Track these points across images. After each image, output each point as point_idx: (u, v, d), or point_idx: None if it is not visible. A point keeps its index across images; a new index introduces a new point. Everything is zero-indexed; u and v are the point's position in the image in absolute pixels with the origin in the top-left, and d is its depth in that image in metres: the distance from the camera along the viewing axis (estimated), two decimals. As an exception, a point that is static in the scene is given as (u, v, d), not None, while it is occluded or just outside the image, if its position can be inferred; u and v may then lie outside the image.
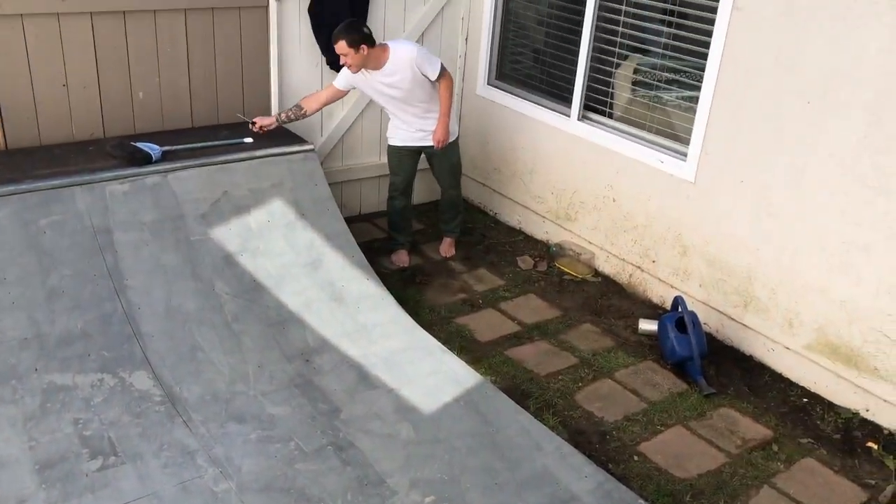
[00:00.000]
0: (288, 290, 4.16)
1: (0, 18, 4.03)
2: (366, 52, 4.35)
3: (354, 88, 4.71)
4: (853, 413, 3.92)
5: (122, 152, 4.21)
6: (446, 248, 5.31)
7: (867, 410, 3.89)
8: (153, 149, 4.27)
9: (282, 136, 4.79)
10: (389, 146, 4.93)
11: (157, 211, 4.11)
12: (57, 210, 3.88)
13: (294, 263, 4.29)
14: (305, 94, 4.90)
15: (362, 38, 4.33)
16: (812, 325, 4.03)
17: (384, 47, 4.47)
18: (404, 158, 4.92)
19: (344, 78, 4.63)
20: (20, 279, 3.65)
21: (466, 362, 4.04)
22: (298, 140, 4.75)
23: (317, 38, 5.04)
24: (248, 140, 4.60)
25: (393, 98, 4.59)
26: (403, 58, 4.44)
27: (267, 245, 4.28)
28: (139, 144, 4.27)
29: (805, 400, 4.04)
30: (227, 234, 4.20)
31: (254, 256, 4.20)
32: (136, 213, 4.05)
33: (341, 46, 4.33)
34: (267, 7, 4.81)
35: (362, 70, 4.47)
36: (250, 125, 4.65)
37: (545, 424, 3.65)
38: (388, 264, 5.09)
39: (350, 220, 5.06)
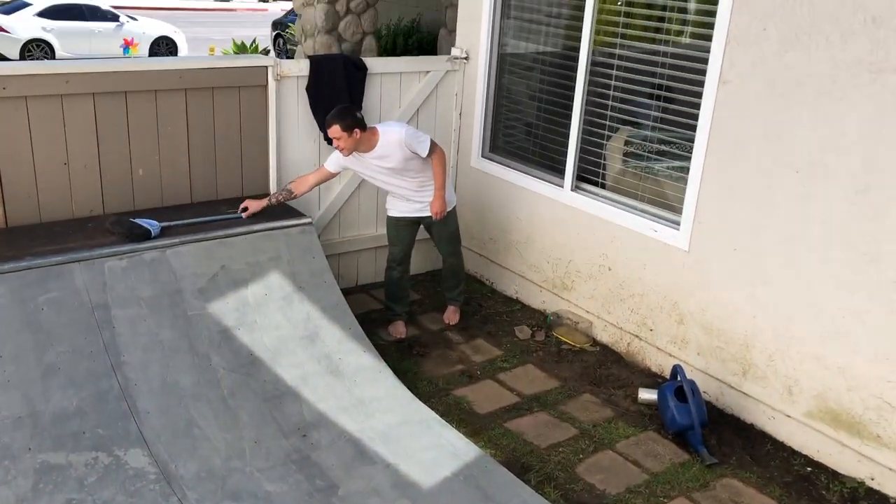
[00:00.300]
0: (285, 364, 4.14)
1: (4, 100, 4.12)
2: (358, 136, 4.47)
3: (346, 170, 4.80)
4: (858, 482, 3.86)
5: (121, 229, 4.26)
6: (450, 315, 5.32)
7: (872, 479, 3.84)
8: (152, 224, 4.32)
9: (280, 209, 4.84)
10: (388, 217, 4.99)
11: (156, 286, 4.13)
12: (55, 287, 3.89)
13: (291, 337, 4.28)
14: (303, 171, 4.99)
15: (355, 122, 4.45)
16: (811, 392, 4.02)
17: (374, 130, 4.58)
18: (403, 229, 4.97)
19: (335, 160, 4.73)
20: (16, 357, 3.64)
21: (465, 435, 4.00)
22: (296, 214, 4.81)
23: (315, 115, 5.15)
24: (244, 214, 4.65)
25: (387, 173, 4.67)
26: (392, 140, 4.54)
27: (264, 319, 4.28)
28: (138, 221, 4.32)
29: (809, 469, 3.99)
30: (225, 309, 4.21)
31: (251, 330, 4.20)
32: (135, 289, 4.07)
33: (335, 130, 4.43)
34: (266, 86, 4.93)
35: (354, 152, 4.57)
36: (241, 214, 4.69)
37: (546, 498, 3.60)
38: (386, 336, 5.08)
39: (347, 292, 5.08)
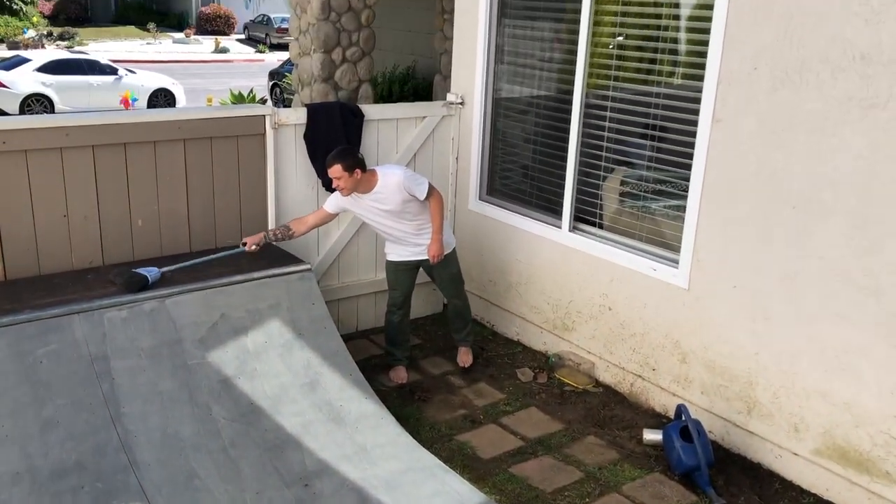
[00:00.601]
0: (286, 412, 4.11)
1: (4, 154, 4.16)
2: (359, 176, 4.50)
3: (345, 211, 4.82)
4: (869, 520, 3.81)
5: (121, 279, 4.26)
6: (463, 357, 5.28)
7: (883, 517, 3.78)
8: (150, 271, 4.32)
9: (279, 256, 4.85)
10: (387, 262, 4.99)
11: (155, 336, 4.11)
12: (54, 339, 3.88)
13: (292, 384, 4.25)
14: (303, 213, 5.02)
15: (356, 162, 4.49)
16: (818, 429, 3.98)
17: (373, 172, 4.62)
18: (402, 273, 4.97)
19: (334, 201, 4.75)
20: (14, 412, 3.61)
21: (470, 481, 3.95)
22: (295, 260, 4.81)
23: (313, 162, 5.20)
24: (243, 248, 4.67)
25: (385, 215, 4.70)
26: (391, 183, 4.58)
27: (264, 366, 4.26)
28: (138, 270, 4.32)
29: (818, 508, 3.94)
30: (225, 357, 4.19)
31: (251, 379, 4.18)
32: (134, 340, 4.05)
33: (336, 170, 4.46)
34: (264, 134, 4.98)
35: (353, 193, 4.60)
36: (241, 246, 4.71)
37: (553, 544, 3.54)
38: (387, 381, 5.05)
39: (347, 338, 5.06)
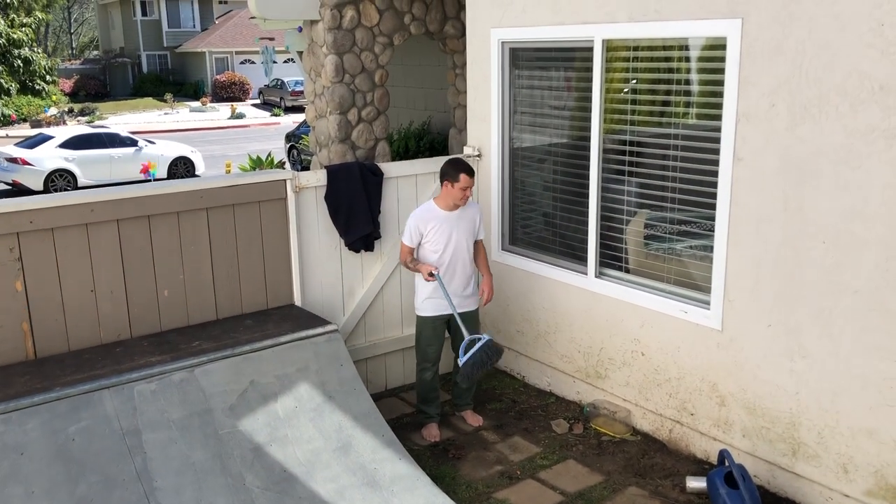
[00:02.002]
0: (319, 478, 4.04)
1: (31, 234, 4.21)
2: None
3: (424, 243, 4.83)
4: (931, 562, 3.65)
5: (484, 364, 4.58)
6: (474, 418, 5.21)
7: (945, 558, 3.62)
8: (483, 338, 4.60)
9: (305, 318, 4.84)
10: (423, 318, 4.94)
11: (185, 407, 4.08)
12: (85, 416, 3.86)
13: (324, 449, 4.19)
14: (326, 277, 5.12)
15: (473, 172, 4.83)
16: (868, 468, 3.85)
17: None
18: (439, 328, 4.96)
19: (409, 235, 4.81)
20: (48, 491, 3.57)
21: (511, 540, 3.84)
22: (321, 322, 4.80)
23: (334, 222, 5.21)
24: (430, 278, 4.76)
25: (464, 234, 4.84)
26: (473, 208, 4.96)
27: (295, 432, 4.21)
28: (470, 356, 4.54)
29: (876, 552, 3.78)
30: (256, 425, 4.15)
31: (283, 445, 4.12)
32: (165, 412, 4.03)
33: (466, 180, 4.70)
34: (285, 199, 5.01)
35: (438, 210, 4.80)
36: (429, 277, 4.74)
37: None
38: (420, 440, 4.97)
39: (377, 397, 5.01)
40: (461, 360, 4.57)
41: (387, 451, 4.30)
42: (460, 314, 4.87)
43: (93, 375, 4.05)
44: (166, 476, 3.80)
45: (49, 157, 16.58)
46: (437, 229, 4.76)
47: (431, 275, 4.70)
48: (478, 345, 4.55)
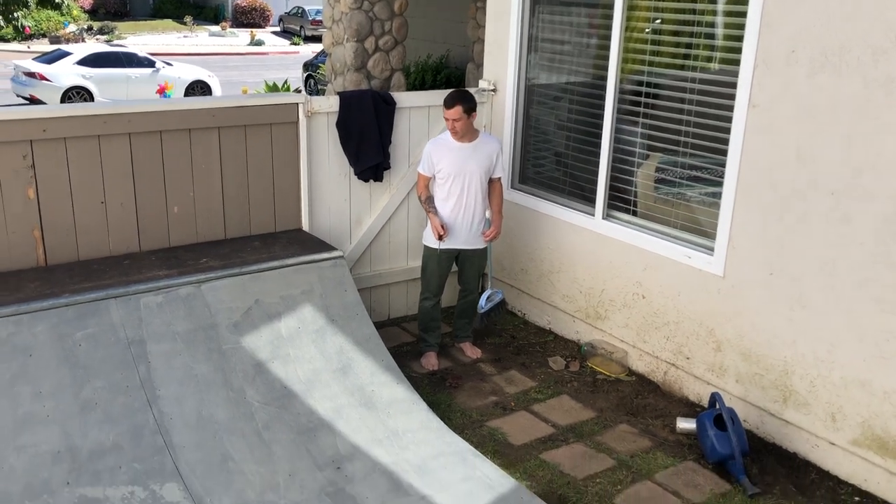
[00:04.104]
0: (318, 397, 4.14)
1: (45, 142, 4.24)
2: (473, 120, 4.70)
3: (435, 174, 4.84)
4: (909, 512, 3.73)
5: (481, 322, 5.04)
6: (473, 350, 5.29)
7: (923, 509, 3.70)
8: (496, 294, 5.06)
9: (312, 244, 4.89)
10: (430, 249, 4.99)
11: (191, 321, 4.17)
12: (92, 323, 3.95)
13: (324, 369, 4.29)
14: (334, 204, 5.17)
15: (474, 106, 4.72)
16: (856, 419, 3.91)
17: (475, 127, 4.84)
18: (445, 262, 5.00)
19: (427, 164, 4.83)
20: (54, 392, 3.69)
21: (500, 467, 3.95)
22: (328, 248, 4.85)
23: (345, 149, 5.22)
24: (440, 241, 4.86)
25: (475, 171, 4.78)
26: (491, 141, 4.90)
27: (297, 352, 4.30)
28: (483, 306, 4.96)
29: (857, 499, 3.87)
30: (259, 342, 4.24)
31: (284, 363, 4.22)
32: (170, 324, 4.11)
33: (457, 111, 4.62)
34: (297, 122, 5.01)
35: (454, 142, 4.76)
36: (439, 240, 4.82)
37: (584, 531, 3.53)
38: (418, 368, 5.07)
39: (379, 325, 5.08)
40: (481, 306, 4.94)
41: (385, 375, 4.40)
42: (468, 251, 4.91)
43: (101, 285, 4.13)
44: (169, 385, 3.91)
45: (66, 74, 16.54)
46: (448, 160, 4.76)
47: (440, 237, 4.77)
48: (496, 299, 5.02)
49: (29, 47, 26.97)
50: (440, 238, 4.78)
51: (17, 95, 16.69)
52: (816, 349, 4.03)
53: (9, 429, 3.52)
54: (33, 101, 16.27)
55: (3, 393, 3.60)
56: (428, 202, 4.87)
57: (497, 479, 3.82)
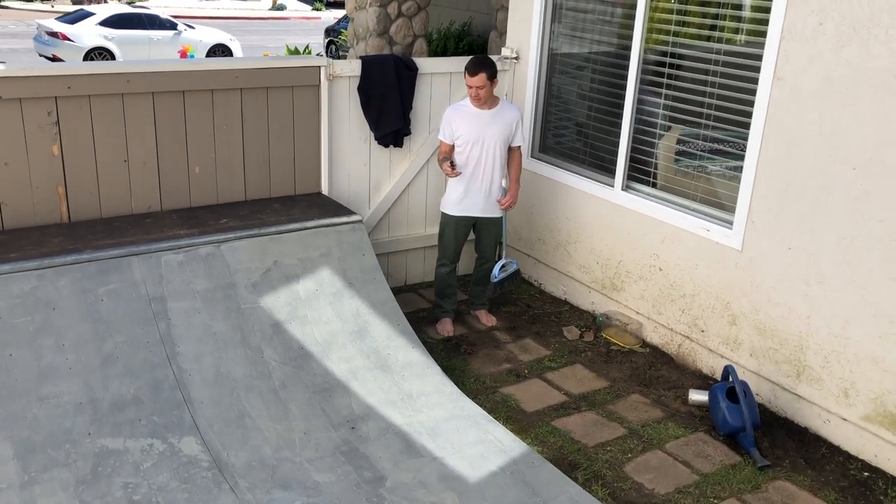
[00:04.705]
0: (334, 358, 4.20)
1: (69, 99, 4.28)
2: (494, 87, 4.74)
3: (455, 140, 4.83)
4: (918, 488, 3.75)
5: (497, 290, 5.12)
6: (488, 317, 5.32)
7: (933, 486, 3.72)
8: (511, 265, 5.16)
9: (331, 207, 4.92)
10: (447, 216, 5.01)
11: (210, 280, 4.22)
12: (114, 279, 4.02)
13: (341, 331, 4.34)
14: (354, 169, 5.20)
15: (496, 72, 4.74)
16: (869, 395, 3.92)
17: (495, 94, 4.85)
18: (462, 229, 5.02)
19: (448, 131, 4.83)
20: (77, 345, 3.76)
21: (512, 432, 4.00)
22: (347, 212, 4.88)
23: (366, 114, 5.22)
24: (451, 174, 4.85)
25: (494, 137, 4.78)
26: (511, 108, 4.92)
27: (315, 313, 4.35)
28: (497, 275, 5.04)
29: (866, 474, 3.89)
30: (277, 303, 4.29)
31: (302, 324, 4.27)
32: (190, 282, 4.17)
33: (481, 78, 4.64)
34: (319, 86, 5.02)
35: (475, 109, 4.77)
36: (453, 172, 4.80)
37: (594, 496, 3.58)
38: (434, 334, 5.11)
39: (396, 291, 5.12)
40: (494, 276, 5.00)
41: (401, 339, 4.45)
42: (484, 219, 4.92)
43: (122, 242, 4.19)
44: (188, 342, 3.98)
45: (89, 34, 16.57)
46: (467, 126, 4.76)
47: (453, 171, 4.78)
48: (510, 269, 5.11)
49: (53, 6, 27.01)
50: (452, 168, 4.75)
51: (40, 55, 16.76)
52: (831, 325, 4.03)
53: (32, 379, 3.60)
54: (56, 60, 16.34)
55: (27, 344, 3.68)
56: (444, 161, 4.88)
57: (509, 443, 3.87)
